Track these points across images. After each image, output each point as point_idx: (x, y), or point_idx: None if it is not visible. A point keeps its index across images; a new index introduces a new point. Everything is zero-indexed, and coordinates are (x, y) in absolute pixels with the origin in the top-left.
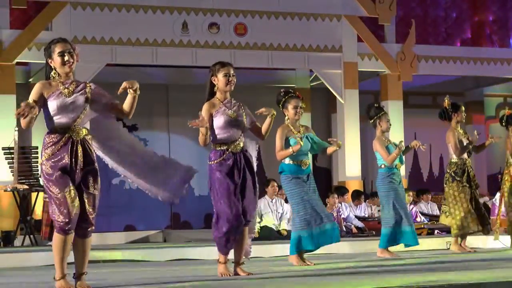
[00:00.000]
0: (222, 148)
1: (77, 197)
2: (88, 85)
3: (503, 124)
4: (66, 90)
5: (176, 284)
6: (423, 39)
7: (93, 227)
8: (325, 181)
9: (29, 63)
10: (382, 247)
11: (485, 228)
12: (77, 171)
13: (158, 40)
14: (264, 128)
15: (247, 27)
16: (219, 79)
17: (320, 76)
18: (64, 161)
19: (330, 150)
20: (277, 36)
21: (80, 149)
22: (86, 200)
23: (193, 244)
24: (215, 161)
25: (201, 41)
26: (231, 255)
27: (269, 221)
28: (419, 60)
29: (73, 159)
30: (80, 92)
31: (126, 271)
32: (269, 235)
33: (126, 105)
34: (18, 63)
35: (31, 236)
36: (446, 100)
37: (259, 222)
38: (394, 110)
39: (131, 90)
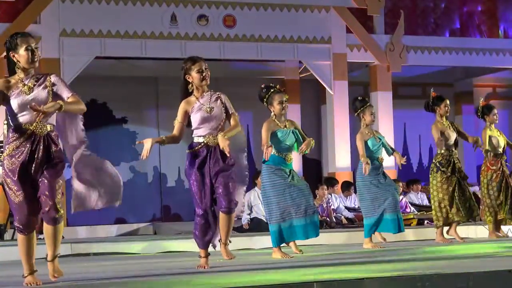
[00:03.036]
0: (198, 140)
1: (36, 196)
2: (48, 77)
3: (479, 115)
4: (25, 87)
5: (166, 276)
6: (412, 30)
7: (60, 213)
8: (315, 172)
9: None
10: (367, 236)
11: (472, 218)
12: (35, 166)
13: (147, 33)
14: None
15: (236, 18)
16: (193, 76)
17: (309, 68)
18: (25, 156)
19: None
20: (266, 28)
21: (41, 145)
22: (49, 193)
23: (183, 237)
24: (191, 150)
25: (190, 33)
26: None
27: (259, 212)
28: (408, 51)
29: (33, 155)
30: (41, 86)
31: (116, 264)
32: (259, 226)
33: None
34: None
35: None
36: (431, 93)
37: (249, 214)
38: (384, 101)
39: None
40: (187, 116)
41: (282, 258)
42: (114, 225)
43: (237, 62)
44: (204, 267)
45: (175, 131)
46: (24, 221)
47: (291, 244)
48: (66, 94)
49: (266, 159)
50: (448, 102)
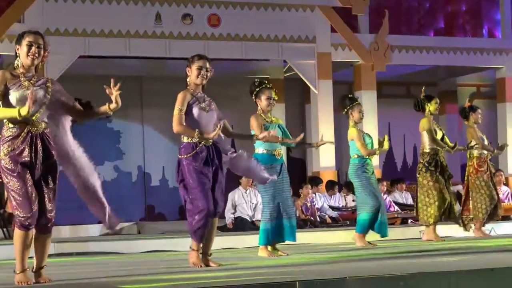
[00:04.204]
0: (194, 141)
1: (37, 193)
2: (49, 80)
3: (463, 116)
4: (26, 82)
5: (150, 275)
6: (396, 29)
7: (53, 222)
8: (299, 171)
9: (1, 55)
10: (360, 232)
11: (450, 219)
12: (38, 166)
13: (131, 32)
14: (238, 135)
15: (221, 18)
16: (192, 71)
17: (293, 67)
18: (24, 155)
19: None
20: (250, 27)
21: (39, 143)
22: (45, 196)
23: (167, 236)
24: (188, 155)
25: (175, 32)
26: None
27: (244, 212)
28: (392, 50)
29: (33, 154)
30: (40, 86)
31: (100, 263)
32: (243, 226)
33: (85, 114)
34: None
35: (4, 229)
36: (422, 91)
37: (233, 213)
38: (368, 100)
39: (109, 108)
40: (188, 107)
41: (269, 257)
42: (97, 224)
43: (221, 62)
44: (200, 266)
45: (184, 122)
46: (29, 212)
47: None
48: (71, 101)
49: (269, 135)
50: (438, 101)
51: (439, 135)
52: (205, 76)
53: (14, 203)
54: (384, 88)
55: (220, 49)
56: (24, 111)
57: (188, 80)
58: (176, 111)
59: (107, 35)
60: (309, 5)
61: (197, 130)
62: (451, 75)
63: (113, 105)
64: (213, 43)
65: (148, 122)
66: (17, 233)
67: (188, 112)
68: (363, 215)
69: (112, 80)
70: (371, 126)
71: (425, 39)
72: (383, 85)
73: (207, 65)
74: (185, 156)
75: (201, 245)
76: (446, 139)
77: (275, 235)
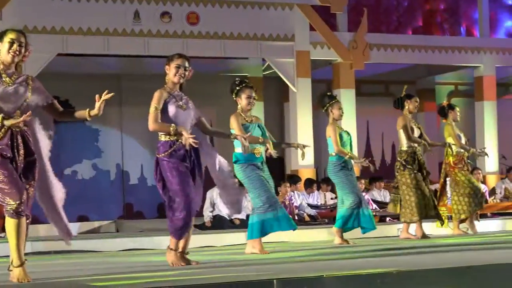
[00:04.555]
0: (171, 139)
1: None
2: (29, 78)
3: (442, 114)
4: (7, 79)
5: (127, 274)
6: (375, 28)
7: (30, 219)
8: (278, 169)
9: None
10: (337, 226)
11: (428, 217)
12: (19, 162)
13: (110, 30)
14: (216, 134)
15: (199, 16)
16: (170, 69)
17: (272, 65)
18: (5, 152)
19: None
20: (229, 25)
21: (20, 140)
22: (25, 192)
23: (146, 234)
24: (166, 153)
25: (153, 30)
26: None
27: (222, 210)
28: (371, 48)
29: (15, 150)
30: (21, 83)
31: (78, 262)
32: (221, 224)
33: (63, 115)
34: None
35: None
36: (403, 89)
37: (212, 211)
38: (347, 98)
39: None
40: (165, 105)
41: (260, 252)
42: (76, 223)
43: (200, 59)
44: (180, 265)
45: (159, 119)
46: (19, 198)
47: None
48: (50, 99)
49: (246, 147)
50: (418, 99)
51: (416, 133)
52: (183, 75)
53: (1, 195)
54: (363, 87)
55: (199, 47)
56: (8, 122)
57: (166, 78)
58: (151, 109)
59: (86, 33)
60: (288, 3)
61: (172, 124)
62: (429, 73)
63: (94, 112)
64: (192, 41)
65: (126, 120)
66: (10, 222)
67: (164, 110)
68: (342, 211)
69: (107, 92)
70: (350, 124)
71: (403, 38)
72: (362, 84)
73: (186, 64)
74: (163, 154)
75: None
76: (425, 137)
77: (267, 228)
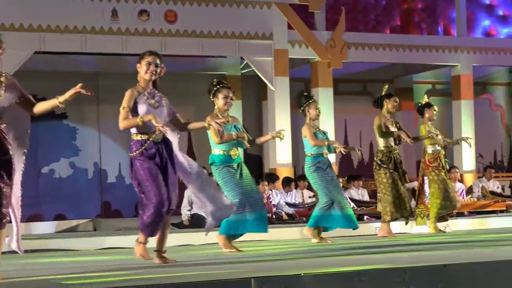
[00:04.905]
0: (143, 137)
1: None
2: (3, 74)
3: (419, 113)
4: None
5: (103, 272)
6: (353, 27)
7: (7, 218)
8: (256, 168)
9: None
10: (309, 225)
11: (405, 216)
12: None
13: (88, 28)
14: (191, 126)
15: (178, 14)
16: (141, 66)
17: (250, 64)
18: None
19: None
20: (207, 24)
21: None
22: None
23: (123, 233)
24: (137, 152)
25: (131, 29)
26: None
27: (199, 208)
28: (349, 47)
29: None
30: None
31: (54, 261)
32: (199, 222)
33: (40, 107)
34: None
35: None
36: (384, 88)
37: (189, 210)
38: (325, 97)
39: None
40: (135, 105)
41: (224, 247)
42: (53, 221)
43: (178, 58)
44: (147, 257)
45: (127, 117)
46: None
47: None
48: (22, 93)
49: (221, 132)
50: (397, 99)
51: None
52: (154, 72)
53: None
54: (341, 85)
55: (177, 45)
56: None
57: (138, 76)
58: (120, 109)
59: (63, 31)
60: (266, 2)
61: (139, 116)
62: (407, 72)
63: (62, 97)
64: (170, 40)
65: (104, 118)
66: None
67: (135, 109)
68: (315, 211)
69: (87, 90)
70: (327, 123)
71: (381, 37)
72: (340, 82)
73: (157, 61)
74: (135, 153)
75: (156, 243)
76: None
77: (238, 229)
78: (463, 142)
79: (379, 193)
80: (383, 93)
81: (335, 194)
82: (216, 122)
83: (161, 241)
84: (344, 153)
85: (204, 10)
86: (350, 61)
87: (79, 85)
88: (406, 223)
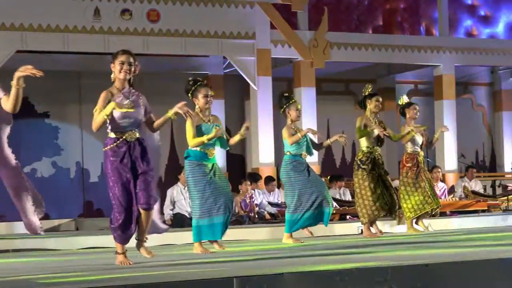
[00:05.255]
0: (117, 135)
1: None
2: None
3: (401, 113)
4: None
5: (83, 272)
6: (335, 26)
7: None
8: (238, 167)
9: None
10: (286, 232)
11: (394, 213)
12: None
13: (70, 27)
14: (157, 122)
15: (160, 13)
16: (115, 66)
17: (233, 63)
18: None
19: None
20: (190, 23)
21: None
22: None
23: (106, 232)
24: (109, 147)
25: (114, 28)
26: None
27: (182, 208)
28: (331, 47)
29: None
30: None
31: (36, 260)
32: (182, 222)
33: (9, 101)
34: None
35: None
36: (366, 88)
37: (172, 210)
38: (307, 97)
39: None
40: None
41: (202, 253)
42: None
43: (161, 57)
44: (129, 263)
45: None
46: None
47: (214, 243)
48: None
49: (189, 113)
50: (380, 99)
51: (375, 133)
52: (128, 71)
53: None
54: (323, 85)
55: (160, 45)
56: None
57: (112, 76)
58: (94, 111)
59: (45, 30)
60: (249, 1)
61: (113, 102)
62: (389, 72)
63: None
64: (153, 39)
65: (86, 118)
66: None
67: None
68: (286, 216)
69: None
70: (310, 122)
71: (363, 37)
72: (322, 82)
73: (131, 60)
74: (107, 148)
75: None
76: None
77: (208, 233)
78: (443, 133)
79: (355, 194)
80: (366, 93)
81: (314, 193)
82: (181, 106)
83: (141, 231)
84: (319, 140)
85: (187, 9)
86: (333, 61)
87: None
88: (400, 222)
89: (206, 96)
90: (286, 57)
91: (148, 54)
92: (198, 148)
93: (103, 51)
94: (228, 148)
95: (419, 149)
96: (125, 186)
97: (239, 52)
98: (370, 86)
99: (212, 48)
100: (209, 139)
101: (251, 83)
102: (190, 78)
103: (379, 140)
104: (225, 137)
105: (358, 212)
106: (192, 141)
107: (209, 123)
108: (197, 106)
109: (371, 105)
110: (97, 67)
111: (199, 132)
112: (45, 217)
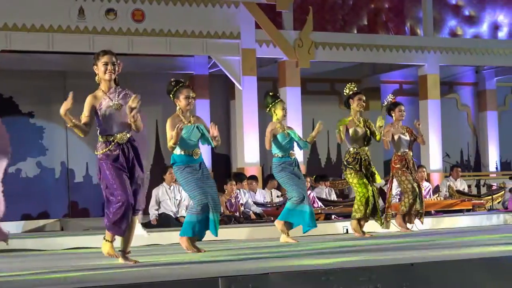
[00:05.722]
0: (108, 139)
1: None
2: None
3: (386, 111)
4: None
5: (69, 273)
6: (320, 26)
7: None
8: (224, 167)
9: None
10: (279, 218)
11: (372, 217)
12: None
13: (54, 26)
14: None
15: (145, 13)
16: (99, 68)
17: (218, 63)
18: None
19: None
20: (175, 23)
21: None
22: None
23: (91, 233)
24: (101, 152)
25: (98, 28)
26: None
27: (167, 208)
28: (316, 47)
29: None
30: None
31: (20, 261)
32: (167, 222)
33: None
34: None
35: None
36: (347, 87)
37: (157, 209)
38: (292, 96)
39: None
40: (93, 110)
41: (187, 249)
42: (20, 221)
43: (146, 57)
44: (115, 256)
45: (84, 124)
46: None
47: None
48: None
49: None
50: (363, 97)
51: (359, 134)
52: (113, 71)
53: None
54: (308, 85)
55: (145, 44)
56: None
57: (96, 78)
58: (81, 117)
59: (30, 30)
60: (234, 1)
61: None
62: (374, 72)
63: None
64: (137, 39)
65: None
66: None
67: (97, 114)
68: (287, 204)
69: None
70: (295, 122)
71: (348, 36)
72: (308, 82)
73: (113, 59)
74: (100, 152)
75: (121, 243)
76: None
77: (200, 229)
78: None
79: (355, 192)
80: (347, 93)
81: (304, 192)
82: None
83: (126, 242)
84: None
85: (171, 9)
86: (318, 61)
87: None
88: (386, 226)
89: (187, 97)
90: (271, 56)
91: (133, 54)
92: (182, 152)
93: (88, 51)
94: (213, 145)
95: (407, 150)
96: (124, 180)
97: (224, 52)
98: (351, 85)
99: (197, 48)
100: (180, 128)
101: (236, 83)
102: (172, 79)
103: (365, 140)
104: (207, 134)
105: (355, 209)
106: (169, 143)
107: (189, 124)
108: (178, 107)
109: (354, 104)
110: (82, 67)
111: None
112: (30, 217)
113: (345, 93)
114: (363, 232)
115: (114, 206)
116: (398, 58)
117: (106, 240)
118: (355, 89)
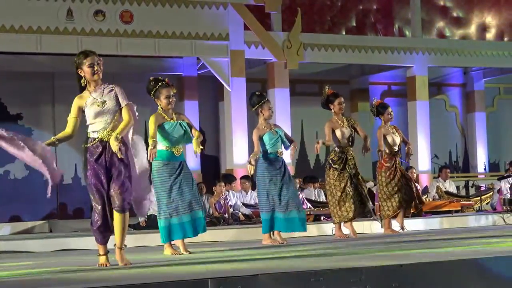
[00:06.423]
0: (93, 136)
1: None
2: None
3: (374, 114)
4: None
5: (58, 274)
6: (309, 27)
7: None
8: (213, 168)
9: None
10: (264, 232)
11: (364, 214)
12: None
13: (42, 28)
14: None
15: (133, 14)
16: (85, 71)
17: (207, 64)
18: None
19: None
20: (163, 24)
21: None
22: None
23: (79, 234)
24: (85, 145)
25: (87, 29)
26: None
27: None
28: (305, 48)
29: None
30: None
31: (8, 263)
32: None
33: None
34: None
35: None
36: (327, 90)
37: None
38: (281, 98)
39: None
40: (80, 111)
41: (172, 255)
42: (8, 223)
43: (134, 58)
44: (106, 265)
45: (68, 128)
46: None
47: (179, 243)
48: None
49: (150, 160)
50: (342, 99)
51: (346, 135)
52: (98, 71)
53: None
54: (297, 86)
55: (133, 45)
56: None
57: (83, 81)
58: (68, 118)
59: (18, 31)
60: (222, 2)
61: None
62: (363, 73)
63: None
64: (126, 40)
65: (60, 119)
66: None
67: (84, 112)
68: (261, 215)
69: None
70: (284, 123)
71: (337, 38)
72: (296, 83)
73: (96, 59)
74: (84, 145)
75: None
76: (361, 132)
77: (179, 232)
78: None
79: (327, 194)
80: (325, 95)
81: (286, 196)
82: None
83: (117, 234)
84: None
85: (160, 10)
86: (306, 62)
87: None
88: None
89: (167, 97)
90: (259, 58)
91: (121, 55)
92: (164, 148)
93: (76, 52)
94: (194, 149)
95: (397, 149)
96: (98, 187)
97: (212, 53)
98: (328, 88)
99: (185, 49)
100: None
101: (225, 84)
102: (151, 78)
103: (350, 140)
104: (189, 131)
105: (331, 212)
106: (149, 140)
107: (172, 121)
108: (159, 107)
109: (335, 108)
110: (70, 68)
111: (162, 131)
112: (18, 219)
113: (323, 98)
114: (354, 232)
115: (93, 217)
116: (386, 59)
117: (99, 255)
118: (331, 91)
